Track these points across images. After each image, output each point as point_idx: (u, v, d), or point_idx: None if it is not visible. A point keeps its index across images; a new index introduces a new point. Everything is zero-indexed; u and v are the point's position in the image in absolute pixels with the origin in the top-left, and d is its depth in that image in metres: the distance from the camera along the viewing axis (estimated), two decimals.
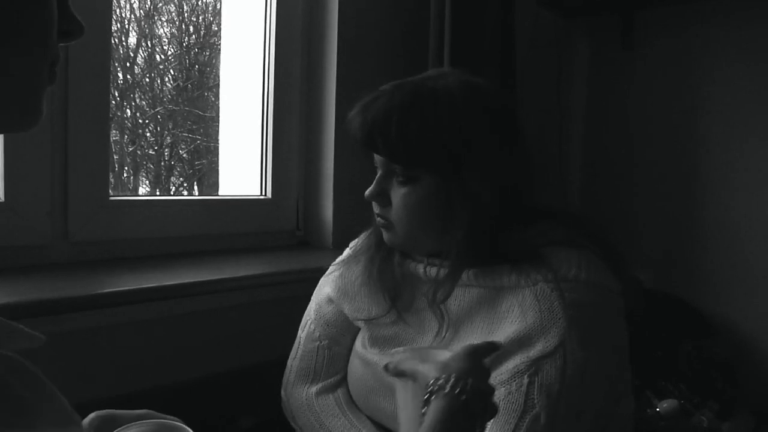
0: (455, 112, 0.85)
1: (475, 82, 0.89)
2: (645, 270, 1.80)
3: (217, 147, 1.66)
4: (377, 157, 0.91)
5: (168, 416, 0.74)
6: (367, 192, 0.91)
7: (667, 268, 1.89)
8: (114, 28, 1.35)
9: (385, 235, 0.93)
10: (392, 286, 0.95)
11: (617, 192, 2.01)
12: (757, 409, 1.64)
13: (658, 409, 1.52)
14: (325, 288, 1.06)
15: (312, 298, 1.09)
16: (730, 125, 1.81)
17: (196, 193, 1.82)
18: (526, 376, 0.77)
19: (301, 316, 1.12)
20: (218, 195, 1.60)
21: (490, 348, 0.74)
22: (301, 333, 1.08)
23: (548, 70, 2.03)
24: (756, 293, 1.77)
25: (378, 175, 0.92)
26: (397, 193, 0.89)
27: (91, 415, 0.69)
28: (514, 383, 0.78)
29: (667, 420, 1.50)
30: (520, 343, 0.79)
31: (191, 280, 1.14)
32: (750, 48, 1.76)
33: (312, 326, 1.06)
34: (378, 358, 0.95)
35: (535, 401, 0.76)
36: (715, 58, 1.82)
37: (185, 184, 1.87)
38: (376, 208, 0.93)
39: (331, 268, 1.07)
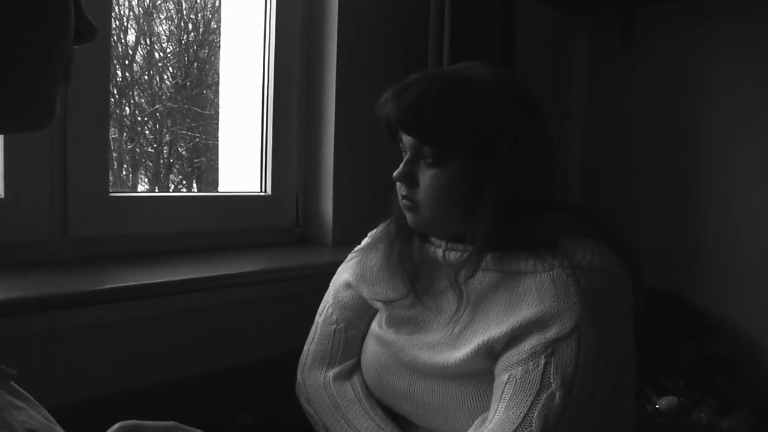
0: (489, 98, 0.88)
1: (505, 74, 0.94)
2: (645, 269, 1.80)
3: (216, 145, 1.66)
4: (406, 140, 0.93)
5: (194, 429, 0.73)
6: (395, 173, 0.93)
7: (667, 266, 1.89)
8: (113, 25, 1.34)
9: (410, 217, 0.95)
10: (411, 270, 0.98)
11: (617, 190, 2.01)
12: (756, 407, 1.64)
13: (657, 406, 1.53)
14: (343, 274, 1.09)
15: (330, 285, 1.11)
16: (731, 123, 1.81)
17: (195, 191, 1.82)
18: (543, 357, 0.81)
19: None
20: (218, 192, 1.60)
21: None
22: (318, 318, 1.10)
23: (548, 68, 2.03)
24: (756, 292, 1.77)
25: (406, 157, 0.94)
26: (426, 175, 0.91)
27: (115, 426, 0.67)
28: (532, 362, 0.81)
29: (667, 417, 1.51)
30: (538, 325, 0.82)
31: (191, 277, 1.14)
32: (750, 46, 1.76)
33: (329, 310, 1.08)
34: (394, 337, 0.97)
35: (551, 381, 0.79)
36: (715, 56, 1.83)
37: (184, 182, 1.88)
38: (402, 190, 0.95)
39: (350, 255, 1.10)
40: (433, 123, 0.87)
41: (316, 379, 1.05)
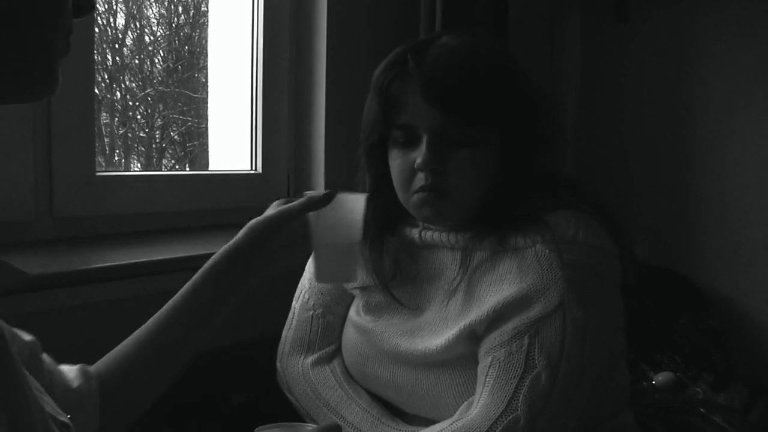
0: (515, 72, 0.86)
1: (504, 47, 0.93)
2: (639, 243, 1.79)
3: (208, 128, 1.65)
4: (423, 120, 0.84)
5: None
6: (421, 160, 0.83)
7: (662, 241, 1.88)
8: (101, 9, 1.32)
9: (430, 211, 0.87)
10: (393, 257, 0.94)
11: (611, 166, 2.00)
12: (750, 381, 1.64)
13: (653, 382, 1.53)
14: None
15: (306, 267, 1.08)
16: (726, 98, 1.79)
17: None
18: (526, 337, 0.78)
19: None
20: (208, 170, 1.59)
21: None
22: (296, 303, 1.07)
23: (541, 42, 2.01)
24: (751, 267, 1.77)
25: (425, 140, 0.84)
26: (458, 158, 0.84)
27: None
28: (515, 344, 0.79)
29: (663, 392, 1.50)
30: (520, 304, 0.80)
31: (180, 255, 1.13)
32: (746, 18, 1.75)
33: (306, 295, 1.05)
34: (373, 325, 0.95)
35: (536, 361, 0.77)
36: (710, 30, 1.81)
37: (177, 167, 1.86)
38: (424, 180, 0.84)
39: None
40: (476, 99, 0.82)
41: (294, 367, 1.02)
